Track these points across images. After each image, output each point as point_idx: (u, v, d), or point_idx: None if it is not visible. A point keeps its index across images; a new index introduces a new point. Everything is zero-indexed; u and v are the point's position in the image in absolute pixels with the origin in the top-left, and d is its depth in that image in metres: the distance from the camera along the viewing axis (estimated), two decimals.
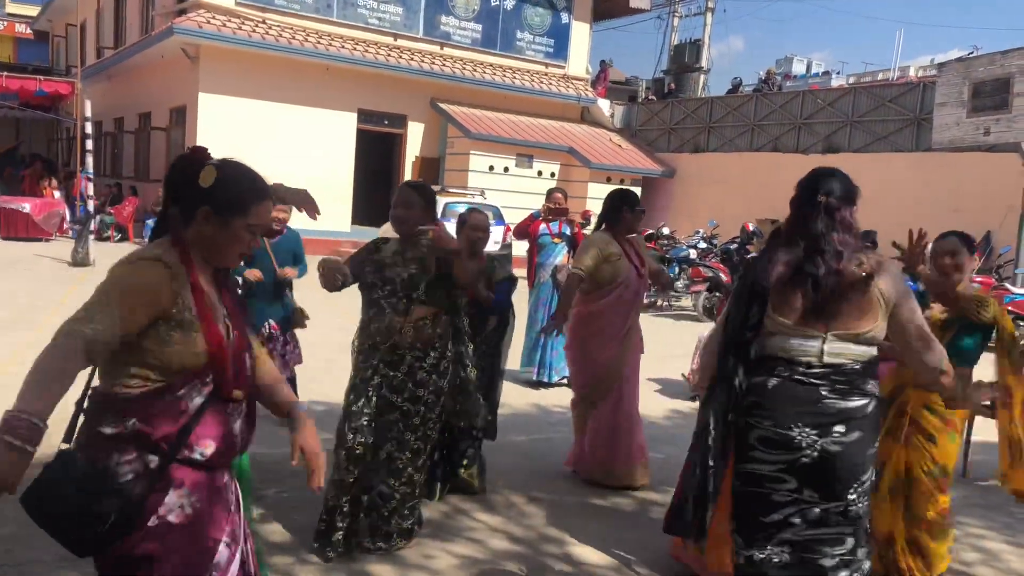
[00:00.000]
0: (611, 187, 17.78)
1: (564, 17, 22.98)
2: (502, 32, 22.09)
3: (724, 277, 11.91)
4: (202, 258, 2.11)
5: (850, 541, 2.66)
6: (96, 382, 2.05)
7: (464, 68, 20.98)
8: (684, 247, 14.56)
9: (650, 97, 28.09)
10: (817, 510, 2.63)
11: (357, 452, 3.72)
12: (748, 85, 27.16)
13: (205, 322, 2.03)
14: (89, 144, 15.17)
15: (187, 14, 17.69)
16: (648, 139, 23.62)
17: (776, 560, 2.66)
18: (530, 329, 7.68)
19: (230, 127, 17.61)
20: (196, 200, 2.06)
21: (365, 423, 3.74)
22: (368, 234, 18.37)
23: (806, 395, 2.60)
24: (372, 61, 19.37)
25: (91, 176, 15.36)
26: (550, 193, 7.95)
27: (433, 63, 20.50)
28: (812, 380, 2.61)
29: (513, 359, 7.95)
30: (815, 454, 2.59)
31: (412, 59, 20.18)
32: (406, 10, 20.57)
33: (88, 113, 15.27)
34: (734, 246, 13.83)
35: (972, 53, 16.80)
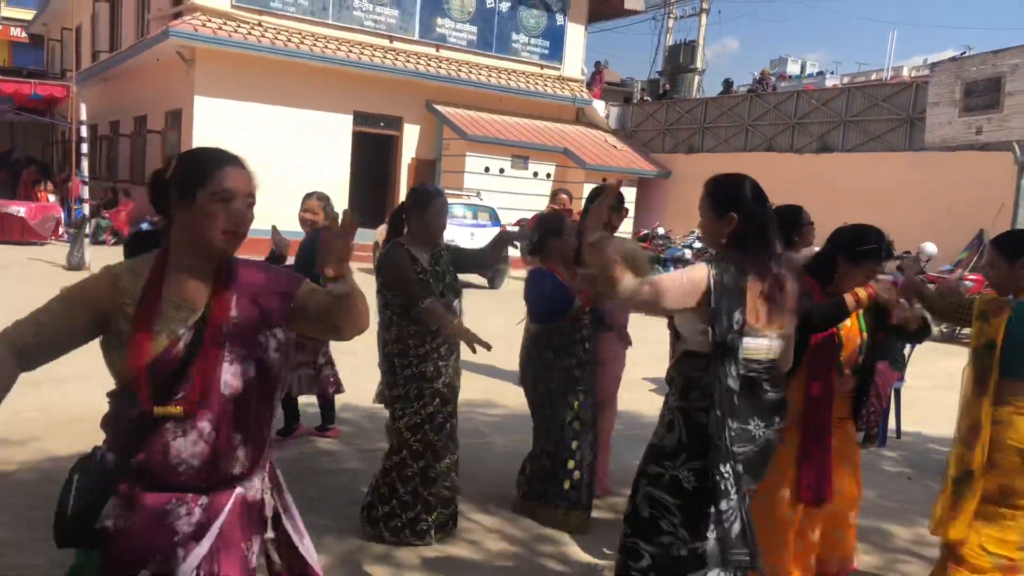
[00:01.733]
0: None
1: (559, 19, 23.01)
2: (497, 34, 22.11)
3: None
4: (191, 255, 1.99)
5: None
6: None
7: (460, 70, 21.00)
8: (679, 247, 14.59)
9: (645, 98, 28.12)
10: (747, 497, 2.80)
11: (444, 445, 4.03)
12: (743, 85, 27.22)
13: (136, 332, 1.92)
14: (84, 147, 15.14)
15: (182, 17, 17.68)
16: (643, 140, 23.65)
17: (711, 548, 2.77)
18: None
19: (226, 130, 17.59)
20: (166, 195, 1.98)
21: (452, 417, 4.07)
22: (365, 236, 18.37)
23: (754, 391, 2.77)
24: (368, 63, 19.38)
25: (86, 179, 15.35)
26: (555, 194, 7.95)
27: (429, 65, 20.51)
28: (759, 376, 2.77)
29: (512, 358, 7.97)
30: (763, 444, 2.80)
31: (408, 61, 20.19)
32: (402, 12, 20.58)
33: (83, 116, 15.25)
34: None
35: (965, 53, 16.87)
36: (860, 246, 3.42)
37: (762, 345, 2.76)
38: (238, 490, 2.03)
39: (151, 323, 1.93)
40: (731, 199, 2.79)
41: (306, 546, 2.21)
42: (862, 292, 3.30)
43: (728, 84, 26.09)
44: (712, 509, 2.68)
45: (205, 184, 1.94)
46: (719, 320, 2.66)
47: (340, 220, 1.95)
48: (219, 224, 1.94)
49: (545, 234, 4.41)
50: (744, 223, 2.74)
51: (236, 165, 2.00)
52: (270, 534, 2.13)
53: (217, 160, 1.98)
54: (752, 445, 2.76)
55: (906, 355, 6.56)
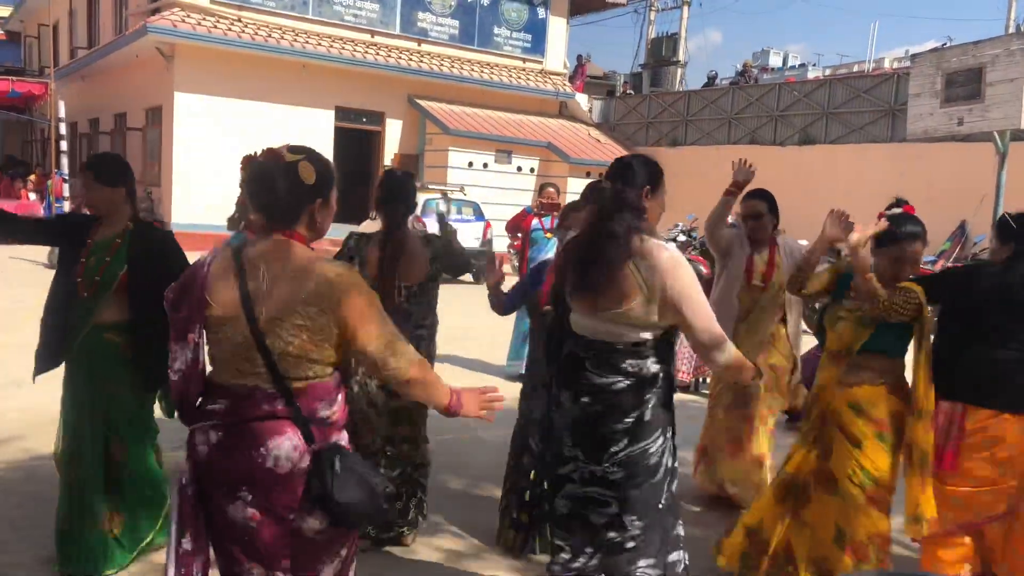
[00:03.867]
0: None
1: (541, 12, 22.98)
2: (479, 28, 22.06)
3: (704, 269, 11.96)
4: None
5: (615, 505, 2.80)
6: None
7: (442, 64, 20.94)
8: (664, 240, 14.55)
9: (628, 91, 28.12)
10: (586, 470, 2.82)
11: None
12: (725, 78, 27.27)
13: None
14: (64, 145, 15.03)
15: (161, 13, 17.53)
16: (626, 133, 23.67)
17: (562, 511, 2.89)
18: (519, 323, 7.62)
19: (206, 127, 17.50)
20: (306, 198, 2.18)
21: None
22: (345, 233, 18.30)
23: (574, 366, 2.83)
24: (349, 58, 19.29)
25: (66, 177, 15.21)
26: (543, 188, 7.92)
27: (410, 59, 20.45)
28: (580, 353, 2.82)
29: (499, 355, 7.98)
30: (572, 417, 2.83)
31: (389, 56, 20.11)
32: (383, 7, 20.49)
33: (62, 114, 15.15)
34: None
35: (946, 44, 16.98)
36: None
37: (584, 324, 2.81)
38: None
39: None
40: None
41: None
42: None
43: (712, 77, 26.13)
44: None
45: (334, 185, 2.25)
46: (555, 288, 2.92)
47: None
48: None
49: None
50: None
51: None
52: None
53: (330, 163, 2.28)
54: (564, 417, 2.86)
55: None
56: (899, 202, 3.66)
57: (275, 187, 2.14)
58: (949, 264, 13.12)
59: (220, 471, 2.15)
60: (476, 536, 4.14)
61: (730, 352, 2.75)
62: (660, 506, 2.83)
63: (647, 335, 2.73)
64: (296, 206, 2.17)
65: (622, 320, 2.69)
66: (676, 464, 2.90)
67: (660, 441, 2.80)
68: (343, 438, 2.27)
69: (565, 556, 2.87)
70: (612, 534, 2.80)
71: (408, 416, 3.86)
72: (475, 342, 8.83)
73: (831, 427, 3.47)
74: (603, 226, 2.72)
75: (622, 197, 2.75)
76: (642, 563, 2.79)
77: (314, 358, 2.14)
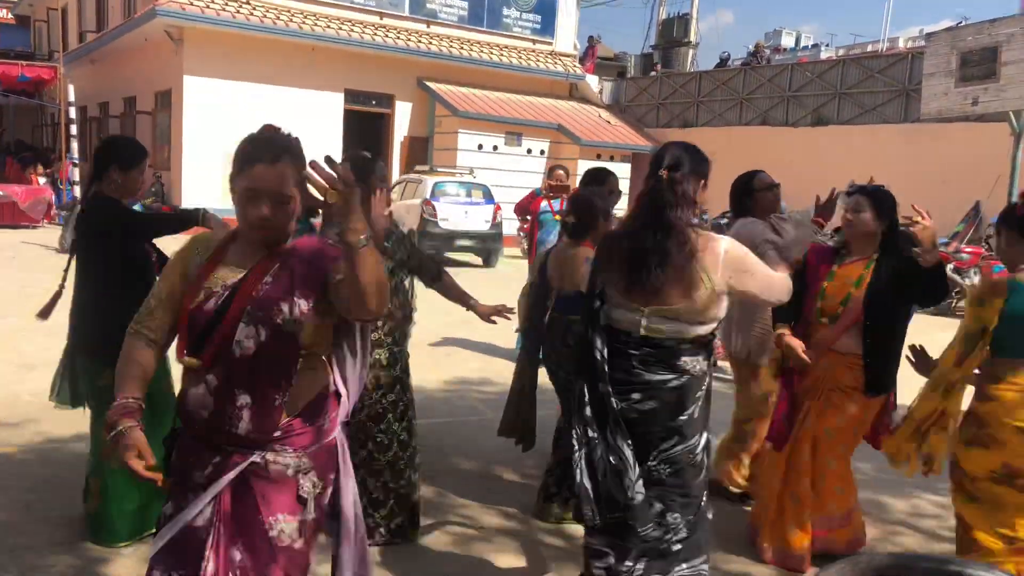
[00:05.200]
0: (602, 163, 17.74)
1: None
2: (488, 9, 21.93)
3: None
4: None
5: (657, 506, 2.72)
6: None
7: (451, 46, 20.85)
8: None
9: (656, 70, 27.81)
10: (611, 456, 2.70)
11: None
12: (737, 59, 27.04)
13: (188, 286, 2.09)
14: (74, 129, 15.06)
15: None
16: (637, 115, 23.54)
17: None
18: None
19: (216, 110, 17.47)
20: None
21: None
22: None
23: (619, 364, 2.71)
24: (358, 41, 19.23)
25: (76, 161, 15.25)
26: (552, 170, 7.87)
27: (420, 41, 20.35)
28: (628, 350, 2.71)
29: (508, 337, 7.97)
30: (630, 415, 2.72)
31: (398, 38, 20.03)
32: None
33: (72, 98, 15.17)
34: (724, 220, 13.83)
35: (961, 23, 16.77)
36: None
37: (631, 319, 2.71)
38: (254, 457, 2.07)
39: (203, 280, 2.07)
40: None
41: (345, 557, 2.25)
42: None
43: (724, 58, 25.91)
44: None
45: (239, 177, 2.03)
46: (591, 282, 2.83)
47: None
48: (247, 217, 2.04)
49: (587, 216, 4.06)
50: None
51: (268, 162, 2.00)
52: (311, 515, 2.14)
53: (252, 154, 2.02)
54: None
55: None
56: None
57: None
58: (962, 246, 13.02)
59: None
60: (485, 518, 4.15)
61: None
62: (702, 503, 2.81)
63: (704, 330, 2.70)
64: None
65: (684, 316, 2.65)
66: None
67: (704, 438, 2.79)
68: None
69: (610, 560, 2.74)
70: (657, 534, 2.72)
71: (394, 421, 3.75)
72: (483, 325, 8.80)
73: None
74: (661, 219, 2.64)
75: (683, 191, 2.67)
76: (696, 561, 2.78)
77: None
